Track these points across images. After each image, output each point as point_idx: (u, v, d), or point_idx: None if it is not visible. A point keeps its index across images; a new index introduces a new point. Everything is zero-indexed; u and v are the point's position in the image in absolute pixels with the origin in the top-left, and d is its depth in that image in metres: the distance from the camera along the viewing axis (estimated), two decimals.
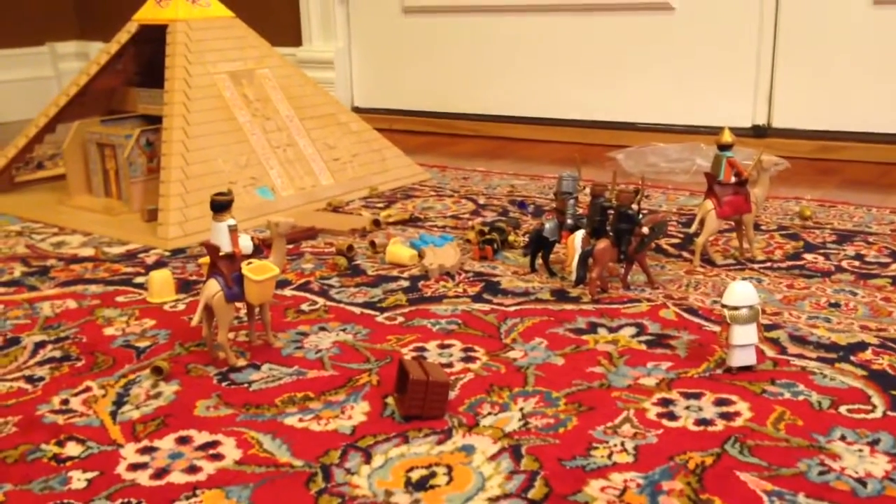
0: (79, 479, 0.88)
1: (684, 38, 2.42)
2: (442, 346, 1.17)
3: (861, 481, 0.84)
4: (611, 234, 1.34)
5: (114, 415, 1.01)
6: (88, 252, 1.63)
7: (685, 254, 1.53)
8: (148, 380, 1.10)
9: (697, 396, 1.02)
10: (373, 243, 1.59)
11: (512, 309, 1.30)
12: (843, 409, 0.98)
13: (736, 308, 1.06)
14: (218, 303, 1.11)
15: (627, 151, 2.28)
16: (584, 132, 2.59)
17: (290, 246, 1.61)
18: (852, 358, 1.10)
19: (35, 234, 1.77)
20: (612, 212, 1.35)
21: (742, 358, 1.07)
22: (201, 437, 0.95)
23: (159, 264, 1.55)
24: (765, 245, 1.57)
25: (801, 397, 1.01)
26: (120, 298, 1.39)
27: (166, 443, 0.95)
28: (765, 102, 2.35)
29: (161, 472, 0.89)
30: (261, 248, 1.19)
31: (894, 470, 0.86)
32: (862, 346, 1.14)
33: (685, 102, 2.45)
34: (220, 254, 1.12)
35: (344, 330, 1.24)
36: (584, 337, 1.19)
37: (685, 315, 1.26)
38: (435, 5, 2.79)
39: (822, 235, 1.62)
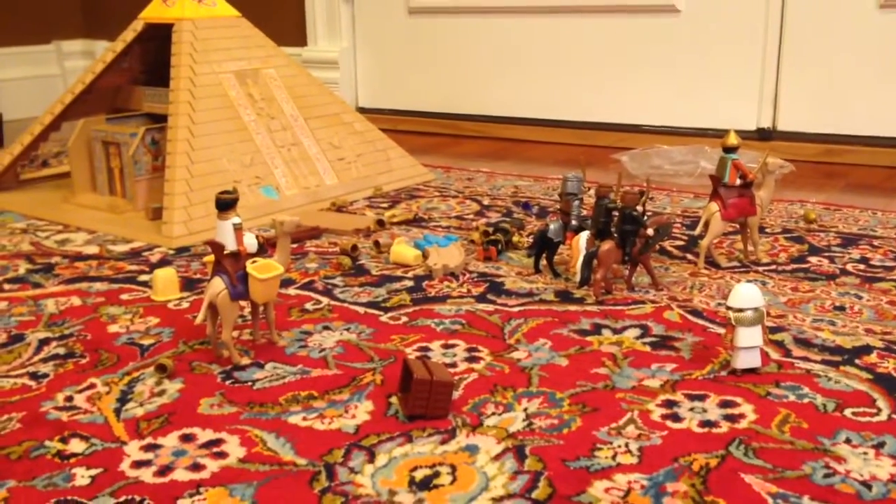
0: (82, 476, 0.88)
1: (689, 40, 2.42)
2: (446, 346, 1.17)
3: (866, 484, 0.84)
4: (615, 235, 1.34)
5: (118, 412, 1.01)
6: (93, 250, 1.64)
7: (689, 256, 1.53)
8: (152, 377, 1.10)
9: (702, 398, 1.01)
10: (377, 243, 1.59)
11: (516, 309, 1.30)
12: (848, 411, 0.98)
13: (741, 310, 1.06)
14: (222, 301, 1.11)
15: (632, 153, 2.28)
16: (588, 134, 2.59)
17: (295, 245, 1.61)
18: (857, 361, 1.10)
19: (40, 231, 1.77)
20: (616, 213, 1.34)
21: (747, 360, 1.07)
22: (205, 435, 0.95)
23: (164, 262, 1.55)
24: (769, 248, 1.56)
25: (805, 400, 1.00)
26: (124, 296, 1.39)
27: (170, 440, 0.95)
28: (770, 105, 2.34)
29: (165, 470, 0.89)
30: (265, 247, 1.19)
31: None
32: (867, 349, 1.14)
33: (690, 105, 2.45)
34: (225, 252, 1.12)
35: (348, 329, 1.24)
36: (589, 338, 1.19)
37: (689, 317, 1.26)
38: (440, 6, 2.79)
39: (827, 238, 1.62)
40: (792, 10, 2.26)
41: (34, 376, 1.11)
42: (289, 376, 1.09)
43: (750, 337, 1.06)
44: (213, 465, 0.89)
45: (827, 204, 1.86)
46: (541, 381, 1.06)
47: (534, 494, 0.83)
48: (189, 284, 1.44)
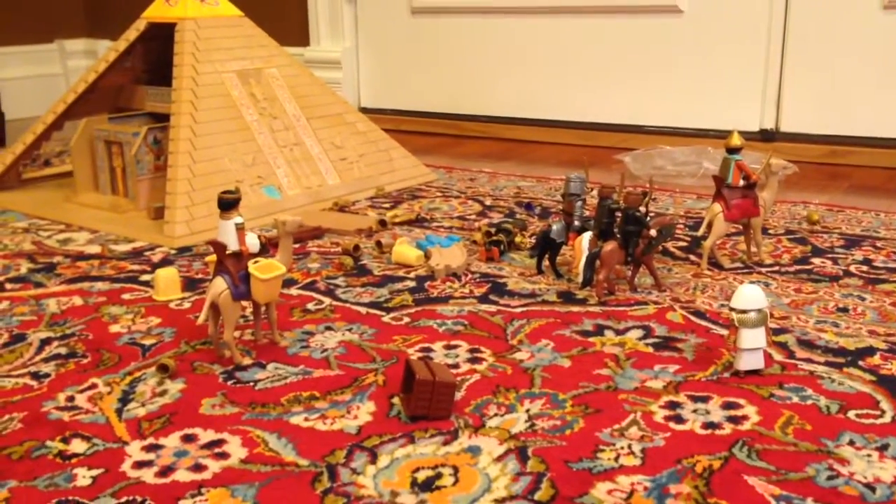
0: (84, 477, 0.88)
1: (692, 40, 2.41)
2: (448, 347, 1.17)
3: (870, 486, 0.84)
4: (618, 236, 1.33)
5: (119, 412, 1.01)
6: (95, 249, 1.64)
7: (692, 257, 1.53)
8: (154, 377, 1.09)
9: (705, 400, 1.01)
10: (379, 243, 1.59)
11: (518, 310, 1.29)
12: (851, 413, 0.97)
13: (744, 311, 1.06)
14: (224, 301, 1.11)
15: (634, 154, 2.28)
16: (591, 134, 2.59)
17: (297, 245, 1.61)
18: (861, 363, 1.10)
19: (42, 230, 1.77)
20: (619, 214, 1.34)
21: (750, 361, 1.06)
22: (207, 436, 0.95)
23: (165, 262, 1.55)
24: (772, 249, 1.56)
25: (809, 401, 1.00)
26: (126, 296, 1.39)
27: (172, 441, 0.94)
28: (773, 106, 2.34)
29: (166, 470, 0.89)
30: (267, 247, 1.19)
31: None
32: (870, 350, 1.13)
33: (693, 105, 2.44)
34: (227, 252, 1.12)
35: (350, 329, 1.23)
36: (591, 339, 1.19)
37: (692, 318, 1.25)
38: (443, 6, 2.79)
39: (830, 240, 1.61)
40: (795, 11, 2.26)
41: (35, 376, 1.11)
42: (291, 377, 1.09)
43: (753, 338, 1.06)
44: (214, 466, 0.89)
45: (830, 205, 1.86)
46: (543, 382, 1.06)
47: (536, 496, 0.83)
48: (191, 284, 1.44)
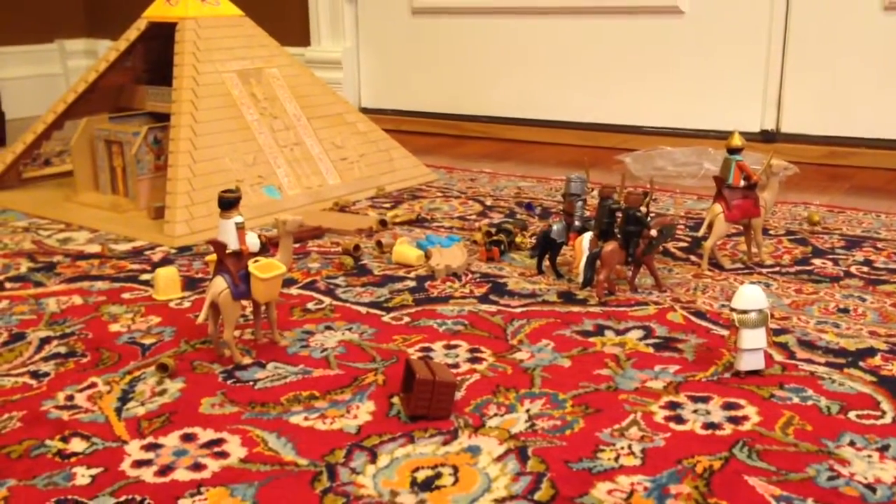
0: (83, 476, 0.88)
1: (693, 41, 2.41)
2: (448, 347, 1.17)
3: (870, 487, 0.84)
4: (619, 236, 1.33)
5: (119, 411, 1.01)
6: (95, 249, 1.63)
7: (693, 257, 1.52)
8: (153, 377, 1.09)
9: (705, 400, 1.01)
10: (379, 243, 1.58)
11: (518, 310, 1.29)
12: (852, 414, 0.97)
13: (745, 312, 1.06)
14: (224, 300, 1.11)
15: (635, 155, 2.28)
16: (591, 135, 2.59)
17: (297, 245, 1.61)
18: (861, 363, 1.10)
19: (42, 230, 1.77)
20: (620, 214, 1.34)
21: (751, 362, 1.06)
22: (206, 435, 0.95)
23: (165, 261, 1.55)
24: (773, 249, 1.56)
25: (809, 402, 1.00)
26: (126, 295, 1.39)
27: (171, 440, 0.94)
28: (774, 107, 2.34)
29: (166, 470, 0.88)
30: (267, 247, 1.19)
31: None
32: (871, 351, 1.13)
33: (693, 106, 2.44)
34: (227, 251, 1.12)
35: (350, 329, 1.23)
36: (591, 339, 1.18)
37: (693, 318, 1.25)
38: (444, 6, 2.79)
39: (831, 241, 1.61)
40: (796, 12, 2.26)
41: (35, 375, 1.11)
42: (290, 376, 1.09)
43: (754, 339, 1.05)
44: (214, 465, 0.89)
45: (831, 206, 1.86)
46: (543, 382, 1.06)
47: (536, 496, 0.83)
48: (191, 284, 1.44)
